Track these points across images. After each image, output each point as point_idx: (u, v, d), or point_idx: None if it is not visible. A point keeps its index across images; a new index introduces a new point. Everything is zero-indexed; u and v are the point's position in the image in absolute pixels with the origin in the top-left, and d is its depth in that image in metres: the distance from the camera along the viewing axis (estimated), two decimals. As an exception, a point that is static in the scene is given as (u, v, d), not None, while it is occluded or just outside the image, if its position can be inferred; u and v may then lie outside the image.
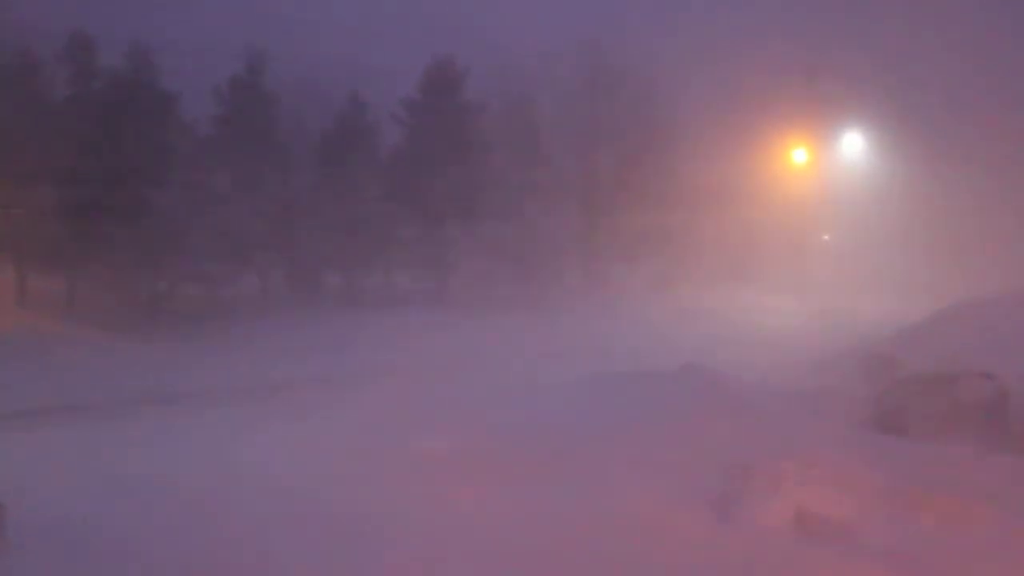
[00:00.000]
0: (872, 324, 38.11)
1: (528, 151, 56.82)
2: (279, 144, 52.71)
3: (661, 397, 20.01)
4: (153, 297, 46.68)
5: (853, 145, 62.95)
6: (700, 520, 12.79)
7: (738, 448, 16.07)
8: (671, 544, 12.06)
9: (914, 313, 36.57)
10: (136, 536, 12.24)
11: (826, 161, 61.72)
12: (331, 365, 33.31)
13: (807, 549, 11.85)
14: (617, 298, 52.50)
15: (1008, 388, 23.14)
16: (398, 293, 55.53)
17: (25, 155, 40.68)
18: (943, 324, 32.32)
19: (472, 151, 54.61)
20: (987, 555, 11.63)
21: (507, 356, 34.26)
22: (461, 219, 53.55)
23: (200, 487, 14.80)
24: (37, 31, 46.17)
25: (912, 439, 20.26)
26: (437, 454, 16.14)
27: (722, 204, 59.45)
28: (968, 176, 57.07)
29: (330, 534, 12.36)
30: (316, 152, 55.28)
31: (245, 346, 38.92)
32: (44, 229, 42.05)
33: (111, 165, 44.06)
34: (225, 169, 50.23)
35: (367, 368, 32.39)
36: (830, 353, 31.95)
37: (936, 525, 12.81)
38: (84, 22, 49.60)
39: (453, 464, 15.63)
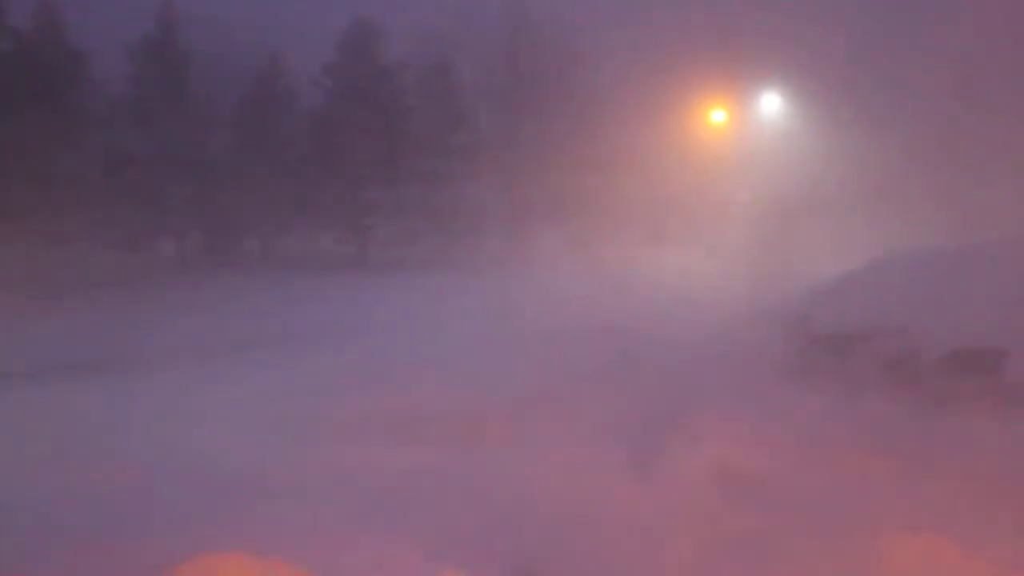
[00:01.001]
0: (790, 283, 38.64)
1: (449, 113, 56.65)
2: (195, 105, 51.87)
3: (581, 356, 20.19)
4: (70, 263, 45.78)
5: (771, 105, 63.55)
6: (620, 478, 12.95)
7: (657, 406, 16.30)
8: (591, 503, 12.21)
9: (833, 270, 37.15)
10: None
11: (744, 121, 62.25)
12: (244, 329, 32.84)
13: (725, 503, 12.05)
14: (538, 260, 52.67)
15: (920, 344, 23.70)
16: (319, 256, 55.14)
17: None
18: (857, 282, 32.89)
19: (392, 114, 54.28)
20: (893, 503, 11.94)
21: (426, 318, 34.23)
22: (382, 182, 53.28)
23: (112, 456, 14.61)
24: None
25: (827, 396, 20.69)
26: (350, 417, 16.14)
27: (642, 166, 59.72)
28: (885, 136, 57.95)
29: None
30: (235, 113, 54.52)
31: (156, 311, 38.28)
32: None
33: (18, 126, 42.90)
34: (139, 130, 49.29)
35: (292, 332, 32.10)
36: (748, 311, 32.36)
37: (847, 478, 13.13)
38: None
39: (364, 428, 15.63)
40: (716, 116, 60.24)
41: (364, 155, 52.50)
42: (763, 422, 15.03)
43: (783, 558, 10.77)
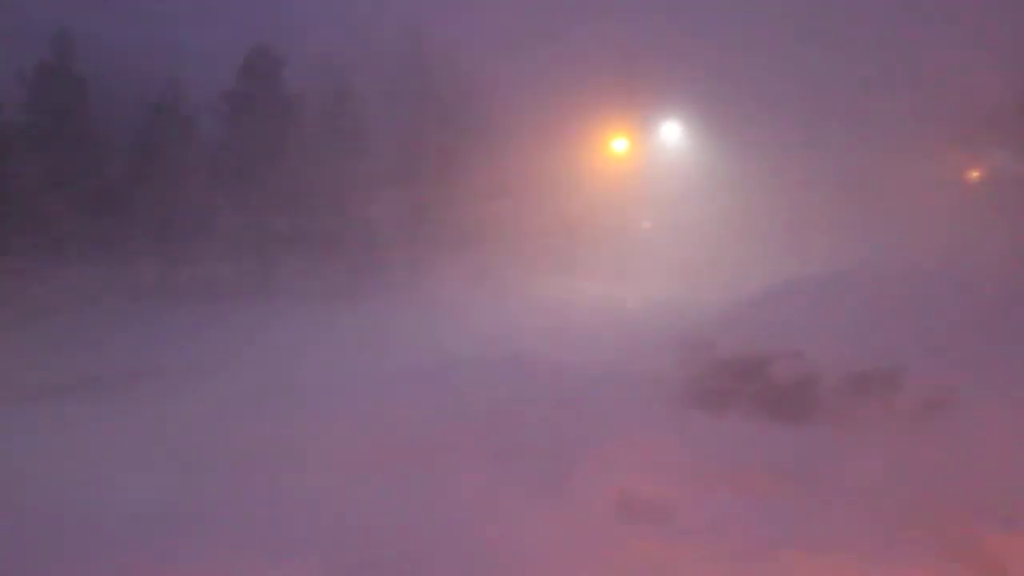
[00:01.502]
0: (691, 308, 39.05)
1: (351, 142, 56.26)
2: (92, 131, 50.82)
3: (486, 385, 20.10)
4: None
5: (672, 133, 64.37)
6: (526, 505, 12.87)
7: (561, 433, 16.28)
8: (497, 530, 12.11)
9: (731, 297, 37.60)
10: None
11: (646, 149, 62.95)
12: (140, 362, 32.01)
13: (630, 530, 12.04)
14: (444, 288, 52.52)
15: (819, 368, 24.10)
16: (219, 285, 54.30)
17: None
18: (758, 307, 33.40)
19: (293, 141, 53.77)
20: (792, 526, 12.04)
21: (331, 348, 33.79)
22: (284, 210, 52.69)
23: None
24: None
25: (728, 419, 20.88)
26: (264, 447, 15.85)
27: (546, 193, 60.01)
28: (784, 163, 59.02)
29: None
30: (133, 139, 53.56)
31: (59, 343, 37.31)
32: None
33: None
34: (33, 156, 48.13)
35: (190, 363, 31.41)
36: (651, 336, 32.58)
37: (750, 502, 13.23)
38: None
39: (281, 458, 15.36)
40: (618, 144, 60.88)
41: (265, 183, 51.87)
42: (666, 448, 15.07)
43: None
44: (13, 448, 17.13)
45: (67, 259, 50.04)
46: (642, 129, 62.42)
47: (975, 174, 58.07)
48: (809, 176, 59.12)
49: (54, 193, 46.67)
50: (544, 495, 13.36)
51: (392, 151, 59.04)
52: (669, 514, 12.65)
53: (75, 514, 12.96)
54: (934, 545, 11.63)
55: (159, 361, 31.76)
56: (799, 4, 63.48)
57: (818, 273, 36.21)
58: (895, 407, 21.16)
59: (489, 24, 64.33)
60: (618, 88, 59.24)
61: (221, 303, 47.01)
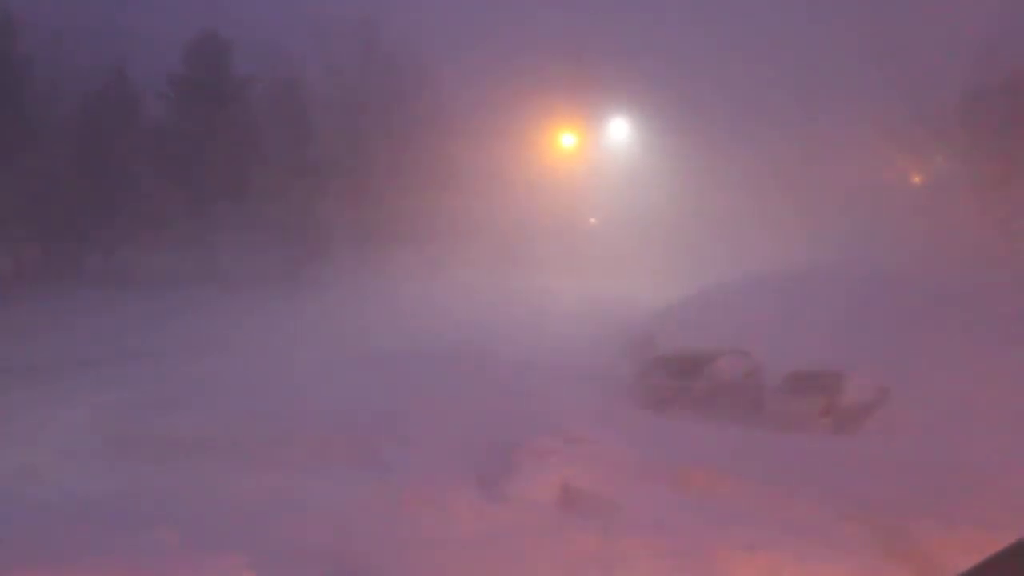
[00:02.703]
0: (635, 304, 39.31)
1: (298, 129, 55.84)
2: (32, 114, 49.97)
3: (432, 377, 20.15)
4: None
5: (620, 130, 64.63)
6: (469, 496, 12.95)
7: (505, 427, 16.36)
8: (440, 522, 12.17)
9: (673, 294, 37.90)
10: None
11: (594, 145, 63.19)
12: (76, 349, 31.54)
13: (571, 524, 12.15)
14: (388, 280, 52.29)
15: (760, 365, 24.41)
16: (164, 272, 53.67)
17: None
18: (701, 304, 33.76)
19: (239, 127, 53.22)
20: (731, 522, 12.21)
21: (274, 338, 33.61)
22: (229, 197, 52.15)
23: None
24: None
25: (670, 415, 21.11)
26: (202, 439, 15.76)
27: (494, 187, 59.97)
28: (731, 162, 59.48)
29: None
30: (75, 123, 52.73)
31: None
32: None
33: None
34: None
35: (129, 350, 31.10)
36: (594, 333, 32.79)
37: (690, 497, 13.39)
38: None
39: (220, 451, 15.28)
40: (566, 140, 61.01)
41: (210, 169, 51.28)
42: (607, 444, 15.20)
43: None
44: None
45: (7, 244, 49.26)
46: (590, 125, 62.61)
47: (917, 177, 58.90)
48: (754, 176, 59.59)
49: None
50: (488, 484, 13.44)
51: (339, 141, 58.68)
52: (610, 508, 12.76)
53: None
54: (868, 541, 11.86)
55: (104, 348, 31.45)
56: (748, 5, 64.00)
57: (763, 272, 36.68)
58: (837, 407, 21.51)
59: (440, 17, 64.23)
60: (567, 84, 59.36)
61: (164, 290, 46.50)
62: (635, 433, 16.79)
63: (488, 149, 58.63)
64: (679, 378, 23.02)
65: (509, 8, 66.61)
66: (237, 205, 52.59)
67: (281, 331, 34.72)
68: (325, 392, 19.31)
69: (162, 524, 11.60)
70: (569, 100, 59.56)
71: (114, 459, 14.97)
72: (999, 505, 12.94)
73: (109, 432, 16.46)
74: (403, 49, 59.34)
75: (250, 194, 52.69)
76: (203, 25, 54.71)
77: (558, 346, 29.56)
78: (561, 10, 65.19)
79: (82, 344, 32.42)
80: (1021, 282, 33.12)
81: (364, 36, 59.80)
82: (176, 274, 52.52)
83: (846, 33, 58.55)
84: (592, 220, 66.98)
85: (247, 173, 52.70)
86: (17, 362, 28.52)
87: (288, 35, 57.87)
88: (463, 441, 15.65)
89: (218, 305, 41.86)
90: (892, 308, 30.30)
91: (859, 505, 12.87)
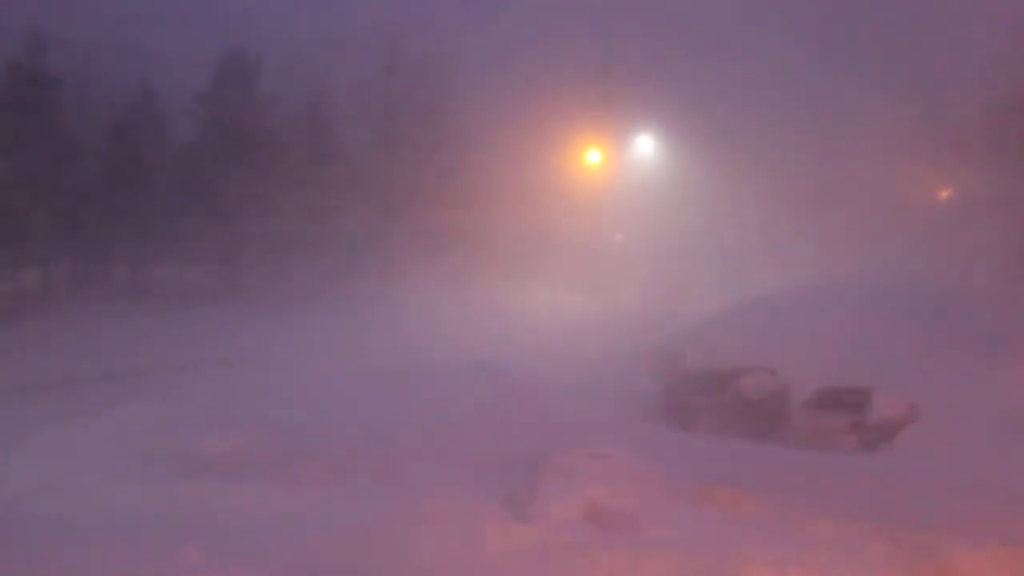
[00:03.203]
0: (661, 321, 39.19)
1: (323, 147, 56.03)
2: (63, 131, 50.38)
3: (454, 394, 20.10)
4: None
5: (645, 147, 64.58)
6: (494, 515, 12.87)
7: (529, 443, 16.28)
8: (466, 541, 12.11)
9: (700, 310, 37.78)
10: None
11: (619, 162, 63.17)
12: (108, 364, 31.68)
13: (597, 541, 12.06)
14: (414, 296, 52.33)
15: (787, 382, 24.27)
16: (189, 288, 53.92)
17: None
18: (728, 321, 33.60)
19: (265, 145, 53.47)
20: (760, 540, 12.08)
21: (297, 354, 33.64)
22: (255, 214, 52.36)
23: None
24: None
25: (696, 432, 21.00)
26: (224, 456, 15.74)
27: (518, 202, 59.95)
28: (757, 179, 59.31)
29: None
30: (104, 141, 53.13)
31: (22, 343, 36.93)
32: None
33: None
34: (5, 156, 47.66)
35: (154, 366, 31.18)
36: (620, 348, 32.70)
37: (716, 514, 13.27)
38: None
39: (243, 467, 15.26)
40: (592, 156, 61.02)
41: (236, 186, 51.49)
42: (633, 460, 15.10)
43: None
44: None
45: (36, 259, 49.60)
46: (616, 141, 62.59)
47: (945, 194, 58.51)
48: (780, 193, 59.36)
49: (24, 192, 46.20)
50: (512, 503, 13.36)
51: (365, 157, 58.85)
52: (636, 525, 12.68)
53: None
54: (896, 559, 11.72)
55: (130, 363, 31.58)
56: (776, 23, 63.88)
57: (790, 289, 36.50)
58: (864, 424, 21.35)
59: (466, 35, 64.40)
60: (593, 100, 59.40)
61: (190, 306, 46.68)
62: (661, 450, 16.68)
63: (514, 164, 58.68)
64: (705, 394, 22.93)
65: (535, 24, 66.71)
66: (263, 222, 52.79)
67: (305, 347, 34.80)
68: (348, 408, 19.29)
69: (186, 541, 11.59)
70: (595, 116, 59.57)
71: (139, 474, 14.96)
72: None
73: (134, 447, 16.45)
74: (428, 65, 59.46)
75: (275, 211, 52.88)
76: (230, 43, 55.07)
77: (584, 361, 29.50)
78: (588, 26, 65.31)
79: (108, 359, 32.62)
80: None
81: (389, 53, 59.99)
82: (202, 290, 52.75)
83: (872, 50, 58.43)
84: (618, 236, 66.85)
85: (273, 190, 52.90)
86: (43, 376, 28.73)
87: (313, 52, 58.19)
88: (488, 457, 15.59)
89: (243, 321, 42.01)
90: (922, 324, 30.09)
91: (887, 523, 12.72)
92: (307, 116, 56.92)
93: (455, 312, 45.10)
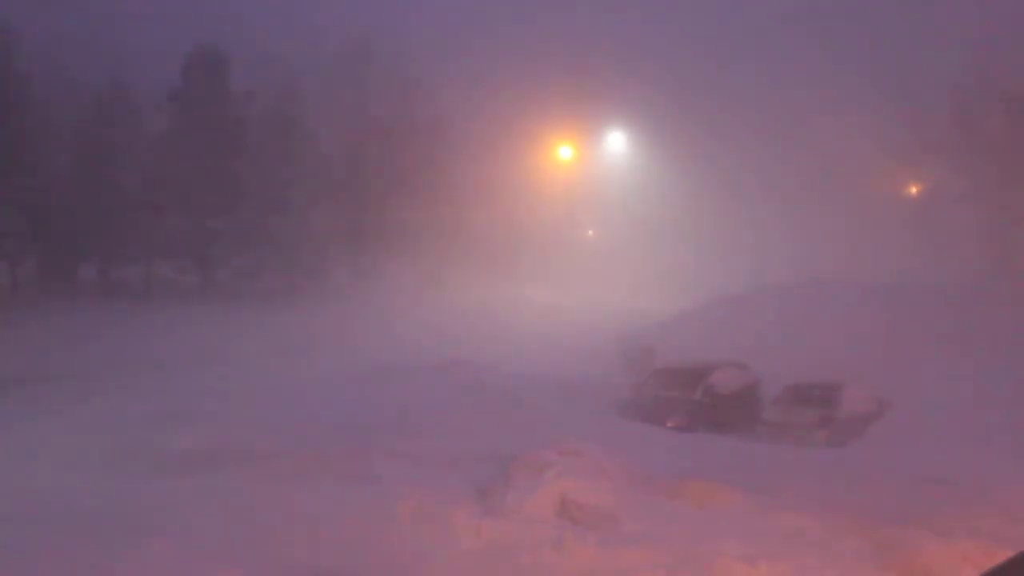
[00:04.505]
0: (632, 317, 39.34)
1: (293, 143, 55.81)
2: (30, 127, 49.95)
3: (427, 391, 20.09)
4: None
5: (617, 143, 64.81)
6: (466, 511, 12.87)
7: (502, 440, 16.30)
8: (438, 537, 12.10)
9: (672, 306, 37.93)
10: None
11: (591, 158, 63.38)
12: (77, 361, 31.45)
13: (570, 536, 12.07)
14: (385, 293, 52.31)
15: (758, 377, 24.43)
16: (160, 285, 53.64)
17: None
18: (699, 316, 33.77)
19: (236, 141, 53.20)
20: (731, 534, 12.14)
21: (268, 351, 33.52)
22: (226, 210, 52.12)
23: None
24: None
25: (669, 427, 21.07)
26: (196, 452, 15.68)
27: (491, 200, 60.03)
28: (734, 174, 59.62)
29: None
30: (72, 137, 52.74)
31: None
32: None
33: None
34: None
35: (121, 363, 30.93)
36: (592, 345, 32.77)
37: (688, 508, 13.33)
38: None
39: (213, 464, 15.20)
40: (563, 152, 61.17)
41: (206, 183, 51.22)
42: (605, 455, 15.13)
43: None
44: None
45: (2, 255, 49.17)
46: (588, 138, 62.76)
47: (914, 190, 59.00)
48: (753, 189, 59.66)
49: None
50: (485, 498, 13.37)
51: (337, 154, 58.69)
52: (609, 520, 12.70)
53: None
54: (867, 553, 11.80)
55: (97, 360, 31.34)
56: (748, 20, 64.20)
57: (763, 285, 36.71)
58: (834, 418, 21.51)
59: (436, 29, 64.39)
60: (564, 96, 59.50)
61: (160, 304, 46.47)
62: (633, 445, 16.73)
63: (486, 161, 58.73)
64: (677, 390, 23.02)
65: (507, 21, 66.81)
66: (235, 219, 52.59)
67: (279, 345, 34.69)
68: (322, 405, 19.26)
69: (159, 536, 11.55)
70: (567, 112, 59.71)
71: (108, 471, 14.87)
72: (998, 518, 12.90)
73: (102, 444, 16.37)
74: (400, 61, 59.37)
75: (248, 208, 52.68)
76: (201, 38, 54.74)
77: (555, 358, 29.56)
78: (559, 22, 65.44)
79: (74, 356, 32.35)
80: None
81: (360, 48, 59.87)
82: (172, 288, 52.49)
83: (846, 42, 58.75)
84: (590, 232, 67.02)
85: (245, 187, 52.71)
86: (7, 374, 28.46)
87: (284, 48, 57.99)
88: (460, 454, 15.59)
89: (216, 319, 41.81)
90: (894, 320, 30.35)
91: (857, 517, 12.80)
92: (278, 111, 56.68)
93: (428, 309, 45.11)
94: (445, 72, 59.44)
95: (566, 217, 63.27)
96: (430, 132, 58.75)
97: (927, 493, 14.25)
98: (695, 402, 22.48)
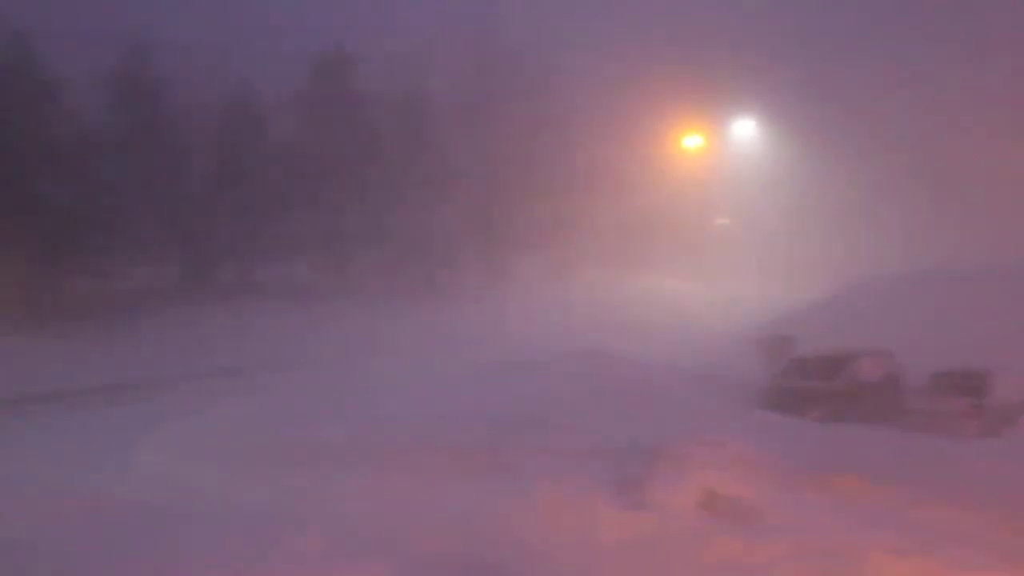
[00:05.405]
0: (769, 305, 38.73)
1: (422, 140, 56.30)
2: (169, 133, 51.45)
3: (564, 382, 20.05)
4: (43, 291, 45.18)
5: (747, 130, 63.84)
6: (607, 504, 12.82)
7: (641, 431, 16.18)
8: (580, 529, 12.09)
9: (810, 295, 37.22)
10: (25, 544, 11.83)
11: (720, 146, 62.54)
12: (228, 359, 32.48)
13: (713, 530, 11.94)
14: (518, 286, 52.53)
15: (903, 366, 23.74)
16: (295, 284, 54.76)
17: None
18: (839, 304, 33.02)
19: (365, 139, 53.92)
20: (879, 528, 11.85)
21: (408, 347, 33.95)
22: (357, 209, 52.90)
23: (87, 489, 14.39)
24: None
25: (810, 419, 20.65)
26: (341, 445, 15.92)
27: (619, 191, 59.71)
28: (860, 161, 58.29)
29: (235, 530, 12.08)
30: (209, 141, 54.14)
31: (138, 341, 37.93)
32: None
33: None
34: (116, 160, 48.86)
35: (266, 361, 31.76)
36: (730, 335, 32.36)
37: (834, 501, 13.05)
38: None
39: (358, 458, 15.42)
40: (692, 141, 60.48)
41: (338, 183, 52.07)
42: (746, 447, 14.91)
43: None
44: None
45: (149, 259, 50.73)
46: (716, 126, 61.91)
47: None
48: (889, 176, 58.15)
49: (134, 194, 47.34)
50: (627, 492, 13.28)
51: (464, 150, 58.96)
52: (752, 514, 12.52)
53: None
54: (1022, 548, 11.39)
55: (281, 355, 32.38)
56: (878, 3, 62.67)
57: (898, 271, 35.71)
58: (983, 407, 20.80)
59: (560, 21, 64.24)
60: (692, 84, 58.75)
61: (297, 303, 47.40)
62: (775, 436, 16.45)
63: (613, 152, 58.44)
64: (818, 380, 22.55)
65: (630, 9, 66.32)
66: (366, 218, 53.37)
67: (413, 339, 35.10)
68: (461, 398, 19.39)
69: (306, 531, 11.77)
70: (694, 101, 58.99)
71: (257, 467, 15.23)
72: None
73: (251, 440, 16.77)
74: (523, 54, 59.36)
75: (379, 207, 53.39)
76: (327, 41, 55.72)
77: (689, 348, 29.28)
78: (685, 9, 64.68)
79: (220, 355, 33.35)
80: None
81: (484, 44, 60.08)
82: (308, 287, 53.50)
83: (979, 30, 56.86)
84: (721, 221, 66.18)
85: (375, 186, 53.44)
86: (159, 373, 29.51)
87: (409, 47, 58.53)
88: (599, 446, 15.53)
89: (351, 316, 42.51)
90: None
91: (1012, 511, 12.37)
92: (405, 109, 57.27)
93: (560, 301, 45.12)
94: (571, 63, 59.27)
95: (697, 207, 62.60)
96: (558, 124, 58.71)
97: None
98: (837, 392, 22.00)
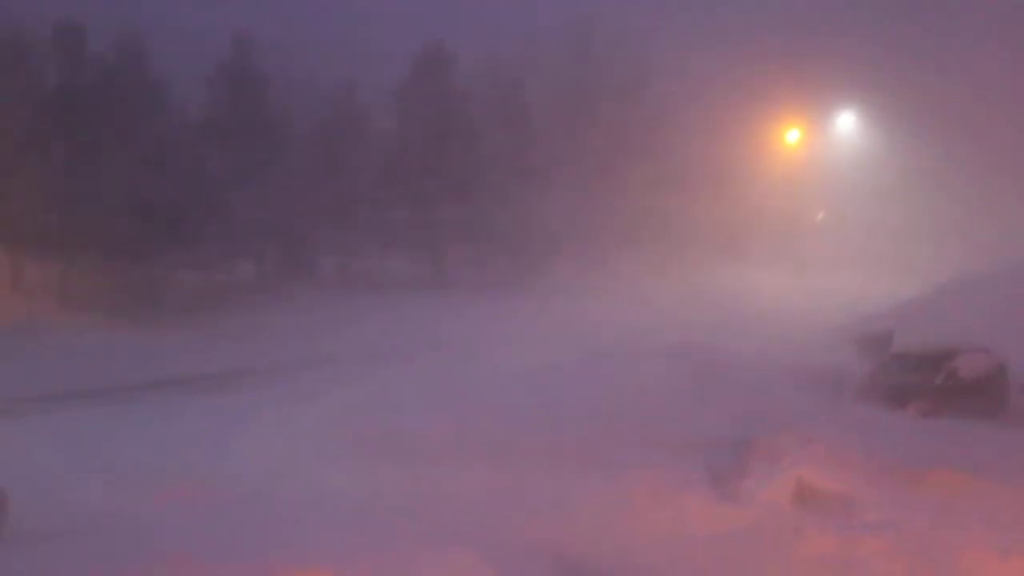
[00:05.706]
0: (868, 300, 38.14)
1: (518, 135, 56.47)
2: (271, 128, 52.36)
3: (660, 375, 20.04)
4: (150, 284, 46.34)
5: (847, 124, 62.85)
6: (702, 496, 12.84)
7: (735, 424, 16.14)
8: (674, 522, 12.13)
9: (909, 290, 36.56)
10: (142, 527, 12.19)
11: (820, 141, 61.66)
12: (324, 350, 33.02)
13: (808, 524, 11.88)
14: (614, 280, 52.35)
15: (1005, 362, 23.25)
16: (392, 277, 55.35)
17: (20, 144, 40.31)
18: (939, 300, 32.39)
19: (463, 135, 54.31)
20: (978, 525, 11.66)
21: (501, 340, 34.05)
22: (454, 203, 53.32)
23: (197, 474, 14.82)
24: (23, 19, 45.44)
25: (908, 413, 20.36)
26: (438, 438, 16.13)
27: (717, 184, 59.22)
28: (963, 154, 57.01)
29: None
30: (309, 136, 54.98)
31: (244, 331, 38.73)
32: (41, 217, 41.62)
33: (106, 153, 43.58)
34: (219, 155, 49.91)
35: (369, 351, 32.19)
36: (827, 329, 31.97)
37: (932, 498, 12.87)
38: (69, 8, 48.49)
39: (456, 448, 15.61)
40: (791, 135, 59.71)
41: (435, 177, 52.55)
42: (843, 442, 14.78)
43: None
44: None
45: (250, 251, 51.73)
46: (816, 120, 61.02)
47: None
48: (990, 169, 56.78)
49: (237, 188, 48.25)
50: (721, 484, 13.29)
51: (561, 145, 58.94)
52: (847, 508, 12.43)
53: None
54: None
55: (383, 345, 32.94)
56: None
57: (999, 268, 34.88)
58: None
59: (658, 15, 63.84)
60: (791, 79, 57.95)
61: (395, 294, 47.90)
62: (871, 431, 16.26)
63: (710, 146, 58.00)
64: (918, 375, 22.20)
65: (730, 3, 65.68)
66: (463, 212, 53.74)
67: (509, 333, 35.22)
68: (555, 391, 19.47)
69: (404, 521, 11.97)
70: (794, 94, 58.20)
71: (357, 456, 15.49)
72: None
73: (350, 429, 17.04)
74: (621, 48, 59.21)
75: (475, 201, 53.73)
76: (424, 36, 56.20)
77: (789, 343, 28.93)
78: (782, 4, 63.85)
79: (320, 344, 33.94)
80: None
81: (582, 39, 60.05)
82: (405, 279, 54.05)
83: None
84: (820, 215, 65.26)
85: (471, 181, 53.79)
86: (260, 362, 30.15)
87: (507, 42, 58.73)
88: (693, 438, 15.53)
89: (447, 308, 42.84)
90: None
91: None
92: (502, 104, 57.49)
93: (656, 295, 44.90)
94: (668, 57, 58.95)
95: (796, 200, 61.79)
96: (653, 117, 58.47)
97: None
98: (937, 388, 21.64)
